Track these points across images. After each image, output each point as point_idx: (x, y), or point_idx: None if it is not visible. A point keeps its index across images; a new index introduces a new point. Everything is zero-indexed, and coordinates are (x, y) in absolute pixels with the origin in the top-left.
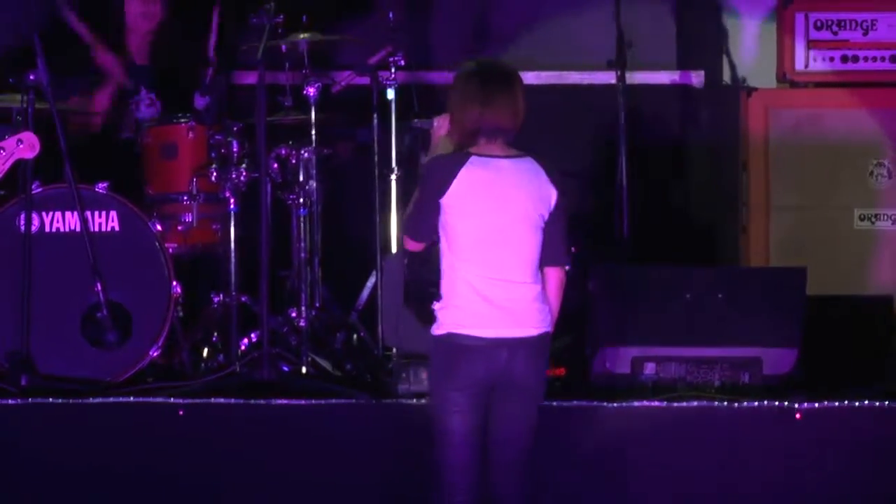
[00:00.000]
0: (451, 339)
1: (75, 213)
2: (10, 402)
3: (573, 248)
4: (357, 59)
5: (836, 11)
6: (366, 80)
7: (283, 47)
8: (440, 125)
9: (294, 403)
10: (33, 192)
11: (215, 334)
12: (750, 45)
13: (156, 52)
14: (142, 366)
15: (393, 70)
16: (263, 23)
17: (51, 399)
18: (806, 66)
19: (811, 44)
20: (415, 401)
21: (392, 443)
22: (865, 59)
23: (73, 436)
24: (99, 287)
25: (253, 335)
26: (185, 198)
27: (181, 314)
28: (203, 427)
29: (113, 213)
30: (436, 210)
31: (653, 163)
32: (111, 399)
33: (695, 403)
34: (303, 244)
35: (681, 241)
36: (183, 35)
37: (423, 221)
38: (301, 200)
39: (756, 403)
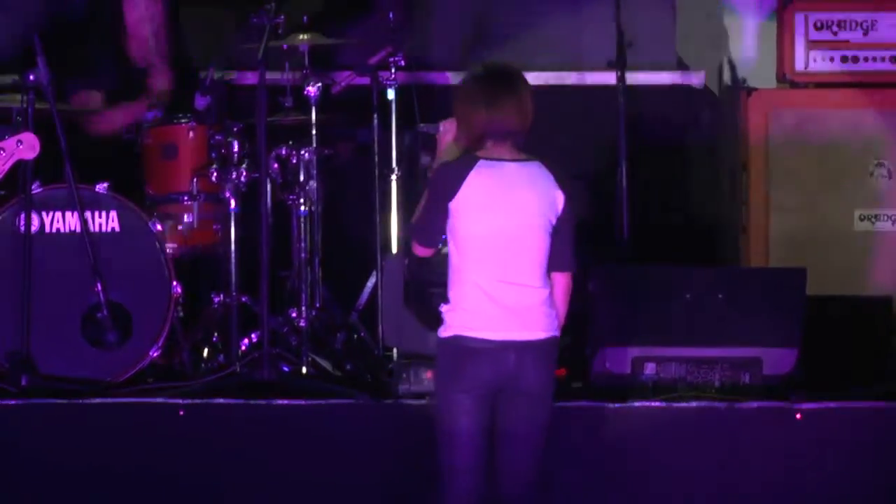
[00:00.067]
0: (458, 342)
1: (75, 213)
2: (10, 402)
3: None
4: (357, 59)
5: (836, 12)
6: (366, 81)
7: (284, 47)
8: (447, 129)
9: (294, 403)
10: (33, 192)
11: (215, 334)
12: (750, 46)
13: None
14: (142, 366)
15: (393, 70)
16: (264, 23)
17: (51, 399)
18: (806, 66)
19: (811, 44)
20: (415, 401)
21: (392, 443)
22: (866, 59)
23: (73, 436)
24: (99, 287)
25: (253, 335)
26: (186, 198)
27: (181, 314)
28: (203, 427)
29: (113, 214)
30: (445, 215)
31: (653, 163)
32: (111, 399)
33: (695, 404)
34: (303, 244)
35: (681, 241)
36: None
37: (433, 227)
38: (301, 201)
39: (756, 403)
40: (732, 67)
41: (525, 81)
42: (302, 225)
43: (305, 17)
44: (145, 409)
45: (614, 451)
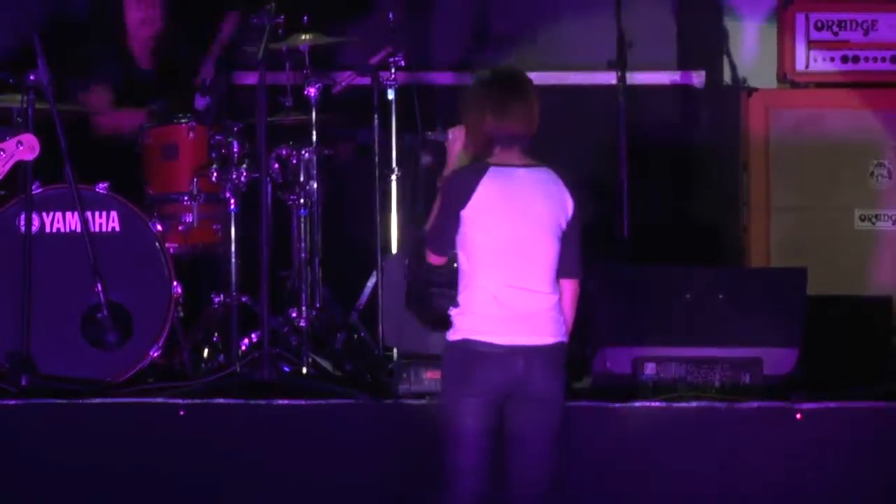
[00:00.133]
0: (467, 346)
1: (76, 213)
2: (10, 402)
3: None
4: (357, 59)
5: (836, 12)
6: (366, 81)
7: (284, 48)
8: (455, 137)
9: (294, 403)
10: (33, 192)
11: (216, 334)
12: (750, 46)
13: (157, 57)
14: (142, 366)
15: (393, 71)
16: (264, 23)
17: (51, 399)
18: (806, 66)
19: (812, 44)
20: (415, 401)
21: (392, 443)
22: (866, 59)
23: (73, 436)
24: (99, 287)
25: (253, 335)
26: (186, 198)
27: (181, 314)
28: (203, 427)
29: (113, 214)
30: (457, 222)
31: (653, 163)
32: (111, 399)
33: (695, 404)
34: (303, 244)
35: (681, 241)
36: (184, 39)
37: (446, 235)
38: (301, 201)
39: (756, 403)
40: (733, 67)
41: (532, 86)
42: (302, 225)
43: (305, 17)
44: (145, 409)
45: (614, 450)
